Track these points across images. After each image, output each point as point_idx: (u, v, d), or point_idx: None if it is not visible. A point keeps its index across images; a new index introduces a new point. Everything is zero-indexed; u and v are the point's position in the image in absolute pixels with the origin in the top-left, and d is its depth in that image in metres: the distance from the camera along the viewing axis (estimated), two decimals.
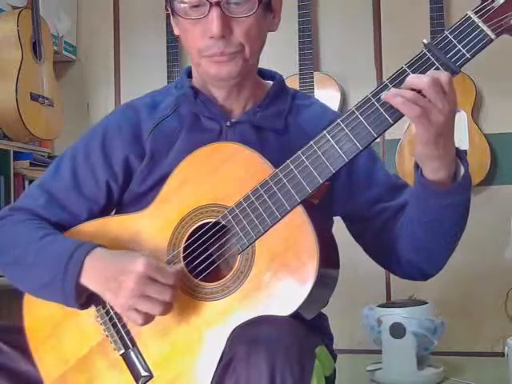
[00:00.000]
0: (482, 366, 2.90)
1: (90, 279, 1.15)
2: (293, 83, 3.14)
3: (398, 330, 2.61)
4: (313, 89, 3.22)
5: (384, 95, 1.06)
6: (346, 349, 2.92)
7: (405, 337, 2.60)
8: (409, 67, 1.07)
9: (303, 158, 1.11)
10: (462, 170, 1.13)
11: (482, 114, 3.18)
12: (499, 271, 3.03)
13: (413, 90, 1.04)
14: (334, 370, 1.28)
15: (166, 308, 1.11)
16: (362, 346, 3.06)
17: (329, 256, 1.13)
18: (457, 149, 1.13)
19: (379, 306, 2.75)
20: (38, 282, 1.21)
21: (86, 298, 1.19)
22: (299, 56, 3.24)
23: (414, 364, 2.62)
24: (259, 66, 1.33)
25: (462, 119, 3.04)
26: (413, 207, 1.20)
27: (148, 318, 1.12)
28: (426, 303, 2.72)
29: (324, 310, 1.29)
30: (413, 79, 1.05)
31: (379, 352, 2.81)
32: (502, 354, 2.30)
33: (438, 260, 1.24)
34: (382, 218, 1.27)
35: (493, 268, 3.05)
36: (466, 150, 3.05)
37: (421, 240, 1.20)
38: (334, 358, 1.30)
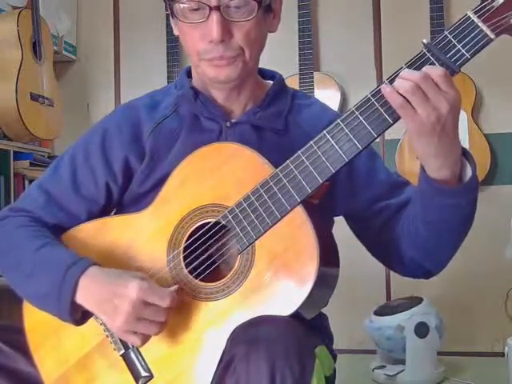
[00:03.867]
0: (482, 366, 2.89)
1: (86, 299, 1.15)
2: (293, 83, 3.14)
3: (422, 329, 2.61)
4: (313, 89, 3.21)
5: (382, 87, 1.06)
6: (346, 349, 2.91)
7: (429, 334, 2.61)
8: (408, 67, 1.06)
9: (303, 158, 1.11)
10: (470, 172, 1.12)
11: (482, 114, 3.18)
12: (499, 271, 3.03)
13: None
14: (334, 370, 1.28)
15: (163, 327, 1.12)
16: (362, 346, 3.06)
17: (329, 256, 1.13)
18: (464, 150, 1.12)
19: (379, 315, 2.72)
20: (33, 293, 1.21)
21: (81, 314, 1.18)
22: (299, 56, 3.24)
23: (435, 361, 2.64)
24: (259, 66, 1.33)
25: (461, 119, 3.04)
26: (416, 205, 1.19)
27: (146, 339, 1.13)
28: (422, 299, 2.71)
29: (324, 310, 1.29)
30: (405, 74, 1.04)
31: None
32: (502, 354, 2.30)
33: (441, 259, 1.24)
34: (384, 216, 1.27)
35: (493, 268, 3.05)
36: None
37: (424, 238, 1.20)
38: (334, 358, 1.30)
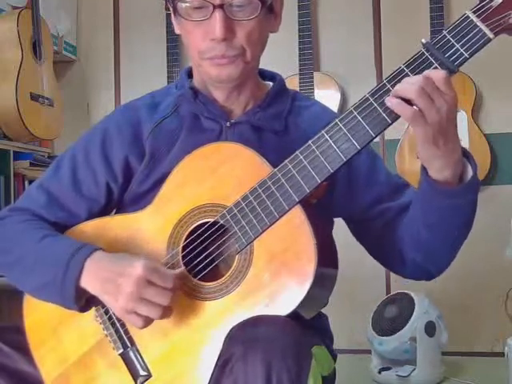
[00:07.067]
0: (482, 366, 2.89)
1: (90, 282, 1.15)
2: (293, 83, 3.14)
3: (430, 327, 2.62)
4: (313, 89, 3.21)
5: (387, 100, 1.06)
6: (346, 349, 2.91)
7: (436, 330, 2.62)
8: (407, 67, 1.06)
9: (301, 157, 1.11)
10: (471, 172, 1.12)
11: (482, 114, 3.18)
12: (499, 271, 3.02)
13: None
14: (334, 370, 1.28)
15: (165, 312, 1.12)
16: (362, 346, 3.06)
17: (327, 256, 1.13)
18: (465, 150, 1.12)
19: (383, 334, 2.68)
20: (37, 283, 1.21)
21: (86, 301, 1.19)
22: (299, 56, 3.24)
23: (441, 359, 2.65)
24: (259, 67, 1.33)
25: (462, 119, 3.04)
26: (418, 208, 1.19)
27: (148, 321, 1.12)
28: (412, 296, 2.70)
29: (324, 310, 1.29)
30: (407, 79, 1.05)
31: None
32: (502, 354, 2.30)
33: (442, 261, 1.24)
34: (384, 218, 1.27)
35: (493, 268, 3.05)
36: None
37: (425, 241, 1.19)
38: (334, 358, 1.30)
